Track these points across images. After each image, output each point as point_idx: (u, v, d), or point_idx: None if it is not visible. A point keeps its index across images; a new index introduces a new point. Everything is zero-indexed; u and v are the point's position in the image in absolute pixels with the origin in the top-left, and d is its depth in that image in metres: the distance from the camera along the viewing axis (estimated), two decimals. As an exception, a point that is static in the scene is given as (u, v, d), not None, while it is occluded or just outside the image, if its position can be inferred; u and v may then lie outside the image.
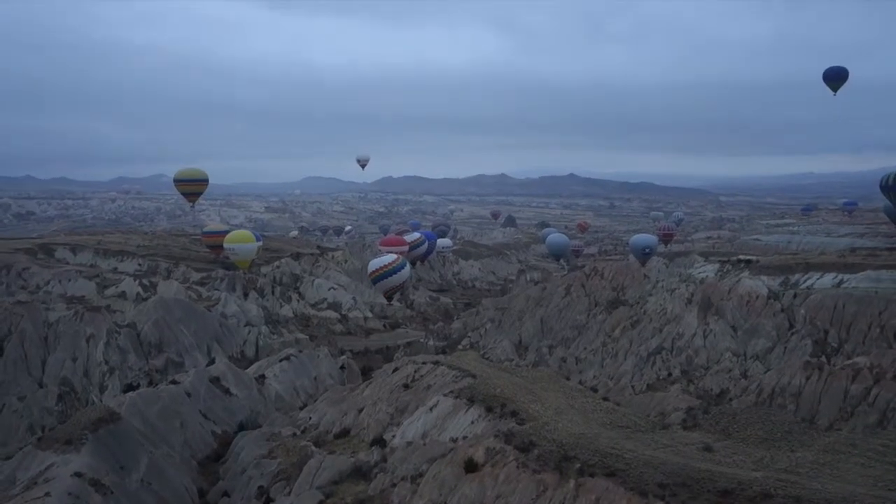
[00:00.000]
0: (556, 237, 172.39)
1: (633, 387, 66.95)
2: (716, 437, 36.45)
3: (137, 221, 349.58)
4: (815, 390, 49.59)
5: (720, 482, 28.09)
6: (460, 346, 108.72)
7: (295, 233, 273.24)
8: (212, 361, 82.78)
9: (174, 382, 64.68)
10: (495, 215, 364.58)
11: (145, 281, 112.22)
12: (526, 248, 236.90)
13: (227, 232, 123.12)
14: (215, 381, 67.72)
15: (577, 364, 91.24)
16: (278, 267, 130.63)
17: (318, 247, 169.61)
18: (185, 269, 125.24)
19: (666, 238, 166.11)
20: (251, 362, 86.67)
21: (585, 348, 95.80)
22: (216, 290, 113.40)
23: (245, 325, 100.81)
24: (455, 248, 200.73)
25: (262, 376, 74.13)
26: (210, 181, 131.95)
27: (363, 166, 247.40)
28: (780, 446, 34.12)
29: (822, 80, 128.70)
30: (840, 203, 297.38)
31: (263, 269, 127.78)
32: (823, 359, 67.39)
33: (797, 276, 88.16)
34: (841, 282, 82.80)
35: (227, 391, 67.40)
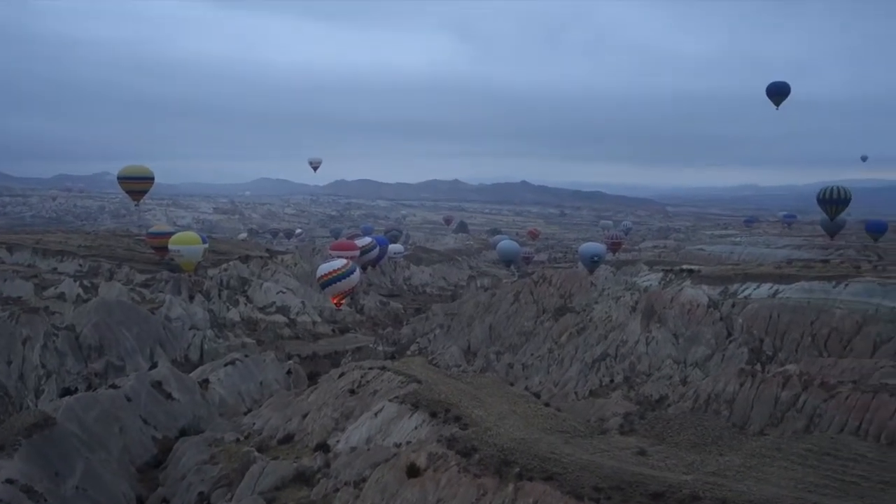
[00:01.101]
0: (506, 244, 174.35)
1: (576, 393, 68.28)
2: (650, 442, 37.61)
3: (80, 220, 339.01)
4: (747, 397, 51.38)
5: (652, 485, 29.08)
6: (409, 352, 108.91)
7: (244, 235, 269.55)
8: (154, 365, 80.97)
9: (114, 387, 63.27)
10: (448, 221, 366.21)
11: (86, 282, 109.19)
12: (477, 255, 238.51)
13: (172, 233, 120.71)
14: (157, 385, 66.45)
15: (523, 370, 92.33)
16: (226, 269, 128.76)
17: (268, 250, 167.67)
18: (129, 270, 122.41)
19: (614, 247, 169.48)
20: (195, 366, 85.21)
21: (532, 354, 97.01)
22: (160, 292, 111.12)
23: (190, 329, 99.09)
24: (407, 253, 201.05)
25: (206, 381, 73.07)
26: (157, 180, 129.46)
27: (315, 169, 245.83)
28: (710, 450, 35.43)
29: (765, 96, 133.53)
30: (780, 215, 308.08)
31: (210, 272, 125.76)
32: (759, 366, 69.74)
33: (736, 285, 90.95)
34: (776, 292, 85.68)
35: (169, 396, 66.20)
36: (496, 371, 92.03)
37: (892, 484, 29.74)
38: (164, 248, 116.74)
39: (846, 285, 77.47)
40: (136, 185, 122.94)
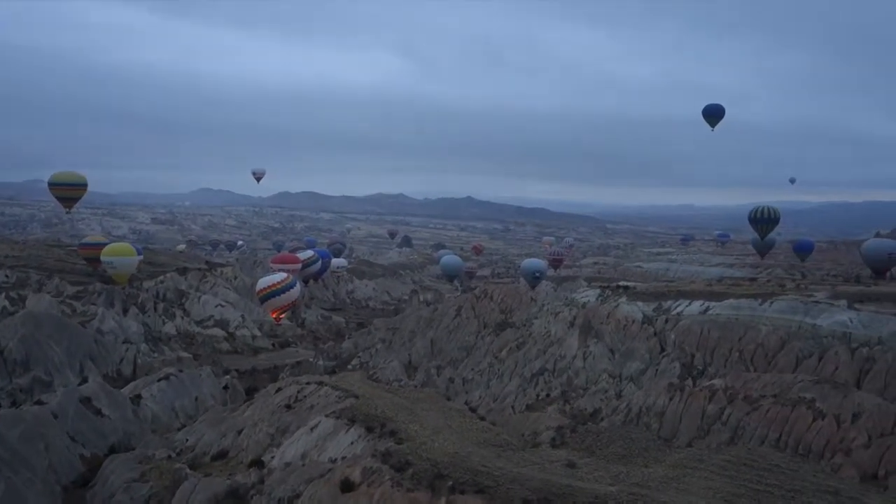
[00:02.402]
0: (449, 259, 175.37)
1: (513, 407, 69.23)
2: (580, 455, 38.65)
3: (8, 229, 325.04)
4: (676, 410, 53.22)
5: (579, 497, 29.95)
6: (350, 366, 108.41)
7: (182, 246, 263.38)
8: (84, 380, 78.42)
9: (40, 403, 61.10)
10: (392, 234, 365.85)
11: (13, 294, 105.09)
12: (421, 269, 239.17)
13: (105, 244, 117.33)
14: (86, 401, 64.41)
15: (464, 384, 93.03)
16: (162, 282, 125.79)
17: (207, 262, 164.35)
18: (59, 281, 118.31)
19: (555, 263, 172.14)
20: (128, 381, 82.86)
21: (473, 369, 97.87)
22: (93, 304, 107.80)
23: (123, 343, 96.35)
24: (350, 266, 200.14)
25: (139, 396, 71.19)
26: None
27: (259, 180, 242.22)
28: (636, 462, 36.64)
29: (701, 118, 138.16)
30: (715, 234, 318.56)
31: (146, 284, 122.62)
32: (690, 380, 72.04)
33: (669, 302, 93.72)
34: (707, 309, 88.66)
35: (98, 412, 64.24)
36: (437, 385, 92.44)
37: (802, 492, 31.41)
38: (97, 260, 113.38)
39: (772, 303, 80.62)
40: (68, 191, 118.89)
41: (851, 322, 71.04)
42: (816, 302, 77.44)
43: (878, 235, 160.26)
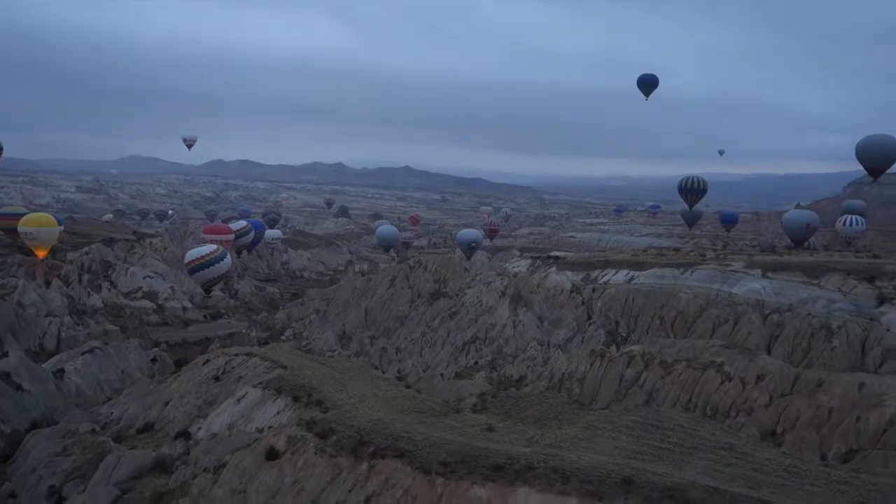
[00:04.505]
0: (385, 229, 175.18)
1: (442, 375, 70.68)
2: (499, 419, 40.20)
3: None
4: (596, 375, 55.51)
5: (494, 458, 31.35)
6: (284, 337, 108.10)
7: (109, 216, 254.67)
8: (4, 355, 75.93)
9: (-45, 378, 59.12)
10: (329, 204, 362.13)
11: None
12: (358, 239, 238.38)
13: (23, 214, 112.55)
14: (5, 376, 62.68)
15: (396, 354, 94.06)
16: (87, 253, 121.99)
17: (135, 232, 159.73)
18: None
19: (491, 233, 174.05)
20: (52, 355, 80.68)
21: (406, 338, 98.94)
22: (13, 277, 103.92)
23: (46, 316, 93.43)
24: (285, 237, 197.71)
25: (62, 370, 69.64)
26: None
27: (190, 147, 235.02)
28: (550, 425, 38.43)
29: (636, 89, 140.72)
30: (647, 205, 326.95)
31: (70, 255, 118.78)
32: (614, 347, 74.93)
33: (597, 272, 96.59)
34: (632, 278, 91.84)
35: (18, 387, 62.60)
36: (370, 355, 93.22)
37: (700, 449, 33.66)
38: (15, 231, 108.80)
39: (692, 272, 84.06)
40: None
41: (764, 290, 75.06)
42: (733, 271, 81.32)
43: (798, 207, 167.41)
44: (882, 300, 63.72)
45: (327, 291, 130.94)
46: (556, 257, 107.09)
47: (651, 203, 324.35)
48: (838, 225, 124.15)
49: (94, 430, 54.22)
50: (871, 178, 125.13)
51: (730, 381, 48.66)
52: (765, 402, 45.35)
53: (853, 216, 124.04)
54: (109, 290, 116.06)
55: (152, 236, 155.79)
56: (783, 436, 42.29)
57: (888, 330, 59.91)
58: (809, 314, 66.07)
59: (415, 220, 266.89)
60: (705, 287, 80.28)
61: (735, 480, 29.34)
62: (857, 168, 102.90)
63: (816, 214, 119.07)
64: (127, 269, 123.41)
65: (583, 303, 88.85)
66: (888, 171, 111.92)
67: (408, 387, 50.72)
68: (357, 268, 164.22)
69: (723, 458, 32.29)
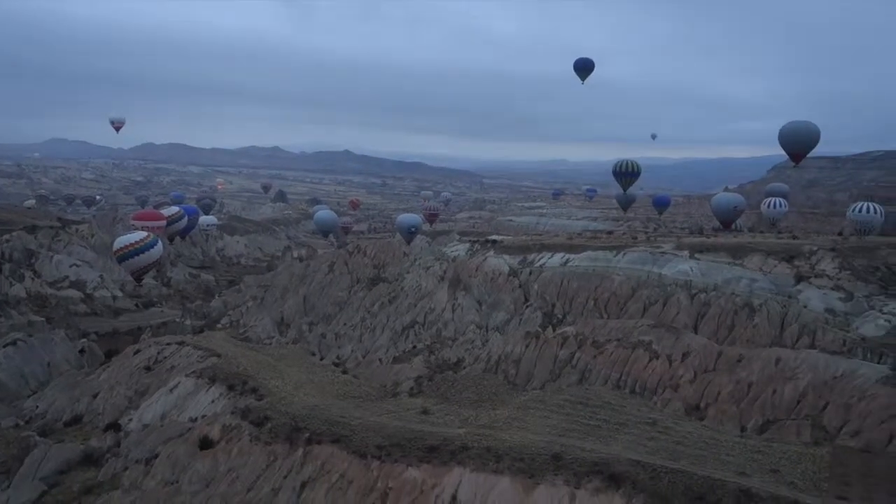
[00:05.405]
0: (324, 214, 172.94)
1: (380, 360, 70.85)
2: (435, 402, 40.73)
3: None
4: (532, 357, 56.68)
5: (429, 440, 31.83)
6: (220, 325, 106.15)
7: (32, 202, 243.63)
8: (-83, 349, 72.46)
9: None
10: (266, 188, 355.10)
11: None
12: (296, 224, 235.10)
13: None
14: (-80, 371, 59.90)
15: (336, 340, 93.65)
16: (8, 241, 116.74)
17: (60, 219, 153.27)
18: None
19: (431, 218, 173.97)
20: (-29, 349, 77.23)
21: (345, 324, 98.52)
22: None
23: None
24: (220, 223, 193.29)
25: (-18, 364, 66.75)
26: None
27: (118, 129, 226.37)
28: (485, 406, 39.17)
29: (573, 73, 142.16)
30: (583, 189, 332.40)
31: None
32: (550, 328, 76.51)
33: (533, 255, 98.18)
34: (567, 261, 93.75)
35: (-65, 382, 59.95)
36: (309, 342, 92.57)
37: (626, 424, 34.96)
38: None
39: (624, 254, 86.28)
40: None
41: (692, 271, 77.78)
42: (663, 253, 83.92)
43: (726, 190, 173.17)
44: (799, 279, 67.03)
45: (265, 278, 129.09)
46: (494, 241, 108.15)
47: (588, 187, 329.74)
48: (763, 207, 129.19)
49: (17, 424, 52.42)
50: (793, 164, 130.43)
51: (657, 358, 50.49)
52: (689, 378, 47.27)
53: (777, 199, 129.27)
54: (33, 279, 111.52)
55: (79, 223, 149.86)
56: (706, 410, 44.22)
57: (805, 307, 63.11)
58: (733, 293, 68.83)
59: (355, 205, 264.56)
60: (637, 269, 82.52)
61: (657, 453, 30.63)
62: (781, 152, 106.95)
63: (743, 197, 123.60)
64: (52, 258, 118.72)
65: (520, 286, 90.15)
66: (809, 156, 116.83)
67: (345, 372, 50.74)
68: (295, 253, 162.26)
69: (647, 432, 33.63)
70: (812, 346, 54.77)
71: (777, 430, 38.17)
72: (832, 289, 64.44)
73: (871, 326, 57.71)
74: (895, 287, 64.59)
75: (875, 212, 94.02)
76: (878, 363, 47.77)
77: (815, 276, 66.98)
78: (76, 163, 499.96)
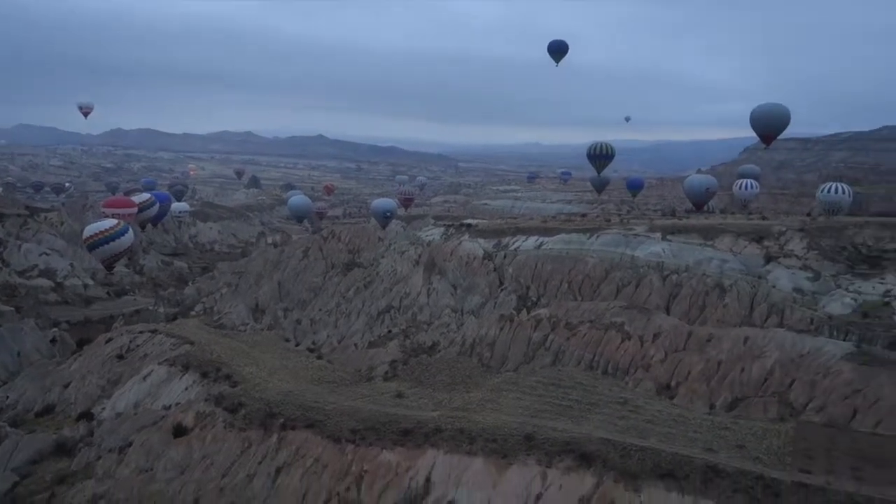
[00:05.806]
0: (298, 199, 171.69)
1: (355, 345, 70.92)
2: (409, 385, 41.00)
3: None
4: (506, 339, 57.13)
5: (403, 423, 32.09)
6: (194, 313, 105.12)
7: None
8: None
9: None
10: (239, 174, 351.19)
11: None
12: (270, 210, 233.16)
13: None
14: None
15: (311, 325, 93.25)
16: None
17: (28, 207, 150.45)
18: None
19: (406, 202, 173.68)
20: (-63, 340, 75.87)
21: (321, 310, 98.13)
22: None
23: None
24: (193, 209, 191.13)
25: (-50, 355, 65.70)
26: None
27: (86, 115, 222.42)
28: (458, 389, 39.52)
29: (547, 55, 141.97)
30: (558, 172, 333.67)
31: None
32: (525, 311, 77.01)
33: (508, 238, 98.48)
34: (541, 244, 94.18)
35: None
36: (284, 328, 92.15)
37: (597, 404, 35.53)
38: None
39: (598, 237, 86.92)
40: None
41: (664, 252, 78.67)
42: (636, 235, 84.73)
43: (698, 172, 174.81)
44: (769, 259, 68.19)
45: (239, 264, 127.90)
46: (469, 225, 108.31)
47: (562, 170, 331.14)
48: (735, 189, 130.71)
49: (-12, 415, 51.78)
50: (764, 145, 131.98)
51: (629, 339, 51.19)
52: (660, 357, 48.03)
53: (748, 180, 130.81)
54: (1, 268, 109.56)
55: (48, 211, 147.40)
56: (676, 388, 45.00)
57: (773, 286, 64.26)
58: (704, 274, 69.81)
59: (329, 190, 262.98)
60: (610, 251, 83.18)
61: (627, 432, 31.22)
62: (753, 134, 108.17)
63: (715, 179, 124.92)
64: (20, 247, 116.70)
65: (494, 269, 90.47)
66: (779, 138, 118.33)
67: (319, 357, 50.75)
68: (269, 239, 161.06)
69: (618, 411, 34.20)
70: (780, 324, 55.89)
71: (745, 408, 39.02)
72: (800, 268, 65.67)
73: (837, 305, 59.01)
74: (861, 266, 65.99)
75: (844, 192, 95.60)
76: (844, 341, 48.93)
77: (784, 257, 68.16)
78: (44, 149, 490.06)
